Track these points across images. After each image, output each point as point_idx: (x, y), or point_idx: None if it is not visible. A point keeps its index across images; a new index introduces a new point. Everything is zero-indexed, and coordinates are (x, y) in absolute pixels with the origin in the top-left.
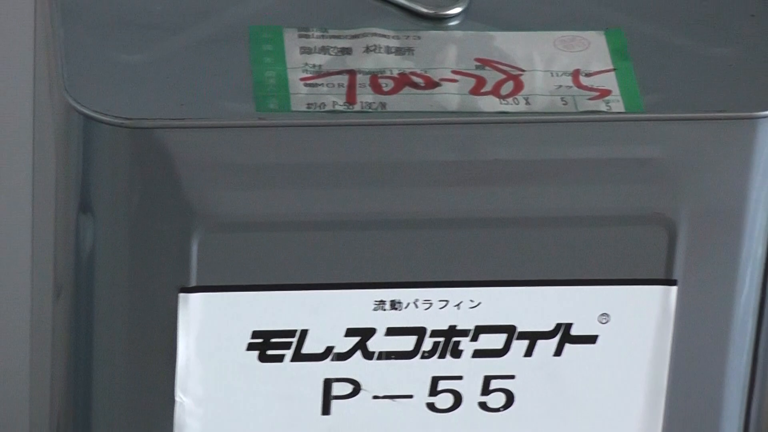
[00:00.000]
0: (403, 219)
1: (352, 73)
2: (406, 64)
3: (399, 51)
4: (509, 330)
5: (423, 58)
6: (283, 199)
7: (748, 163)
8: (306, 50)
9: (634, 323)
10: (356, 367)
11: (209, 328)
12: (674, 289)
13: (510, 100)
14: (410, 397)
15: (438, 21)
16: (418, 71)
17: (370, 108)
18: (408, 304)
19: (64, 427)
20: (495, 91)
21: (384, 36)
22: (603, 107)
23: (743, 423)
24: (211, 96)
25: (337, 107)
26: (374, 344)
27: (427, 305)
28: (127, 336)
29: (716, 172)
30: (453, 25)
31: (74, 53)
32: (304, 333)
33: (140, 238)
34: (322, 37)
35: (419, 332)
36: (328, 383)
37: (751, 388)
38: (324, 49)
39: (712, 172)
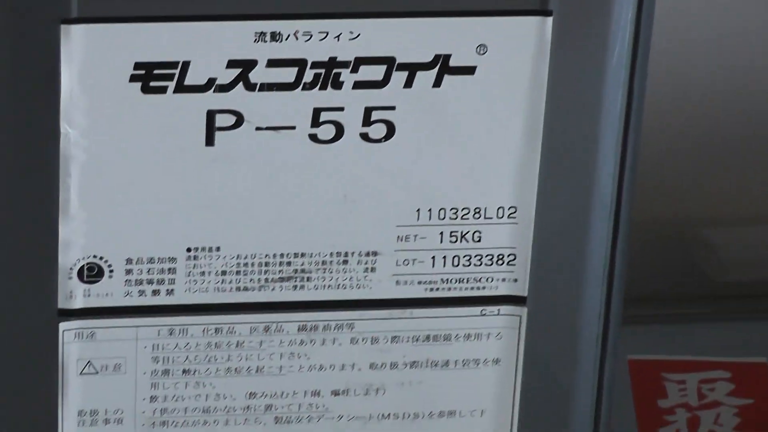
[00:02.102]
0: None
1: None
2: None
3: None
4: (389, 61)
5: None
6: None
7: None
8: None
9: (511, 54)
10: (239, 98)
11: (92, 59)
12: (550, 20)
13: None
14: (293, 128)
15: None
16: None
17: None
18: (288, 35)
19: None
20: None
21: None
22: None
23: (619, 162)
24: None
25: None
26: (256, 76)
27: (307, 37)
28: (10, 69)
29: None
30: None
31: None
32: (186, 64)
33: None
34: None
35: (300, 64)
36: (211, 114)
37: (626, 127)
38: None
39: None
